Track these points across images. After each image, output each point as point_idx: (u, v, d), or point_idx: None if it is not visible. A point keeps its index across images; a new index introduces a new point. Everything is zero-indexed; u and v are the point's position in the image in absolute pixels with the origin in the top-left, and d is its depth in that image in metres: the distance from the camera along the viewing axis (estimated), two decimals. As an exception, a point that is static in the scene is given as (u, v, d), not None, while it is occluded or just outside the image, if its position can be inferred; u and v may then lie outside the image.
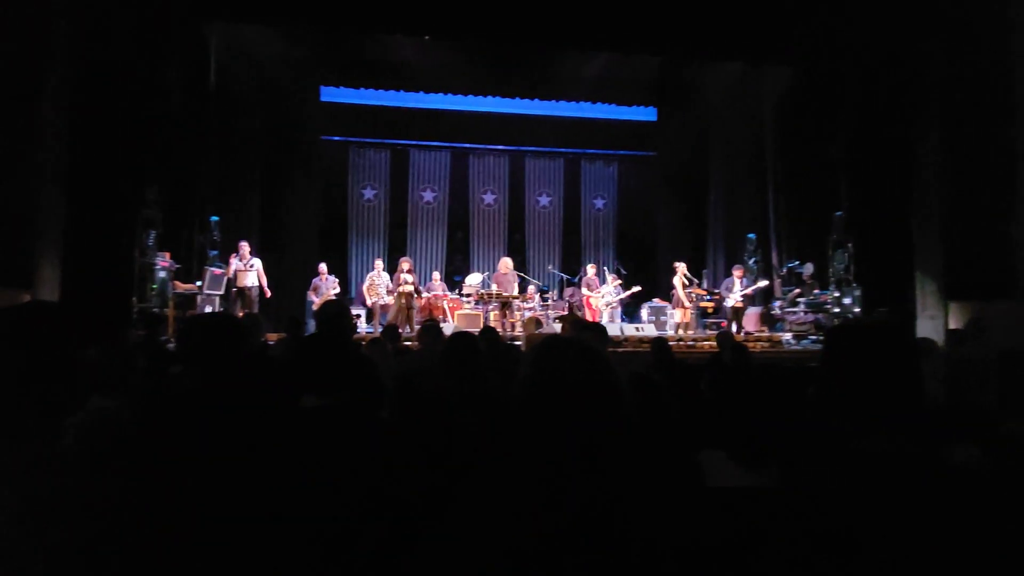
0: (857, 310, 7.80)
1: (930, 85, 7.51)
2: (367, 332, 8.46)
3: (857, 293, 7.85)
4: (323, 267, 8.87)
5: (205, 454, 1.11)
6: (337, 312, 2.29)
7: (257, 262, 7.92)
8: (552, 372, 0.98)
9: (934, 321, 7.42)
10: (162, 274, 6.85)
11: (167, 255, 6.97)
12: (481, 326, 8.13)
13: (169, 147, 7.01)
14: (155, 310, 6.57)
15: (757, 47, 8.25)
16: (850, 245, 8.01)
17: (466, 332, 2.19)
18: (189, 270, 7.73)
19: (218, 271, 7.65)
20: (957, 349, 4.29)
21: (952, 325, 6.96)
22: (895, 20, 7.61)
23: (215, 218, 8.04)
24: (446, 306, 9.22)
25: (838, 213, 8.21)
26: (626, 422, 0.96)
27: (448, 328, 7.92)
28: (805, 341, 8.14)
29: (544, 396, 0.97)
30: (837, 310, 7.98)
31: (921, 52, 7.58)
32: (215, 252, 7.94)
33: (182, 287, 7.32)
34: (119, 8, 6.16)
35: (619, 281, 9.39)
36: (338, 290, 8.82)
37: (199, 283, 7.48)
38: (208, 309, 7.41)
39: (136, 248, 6.42)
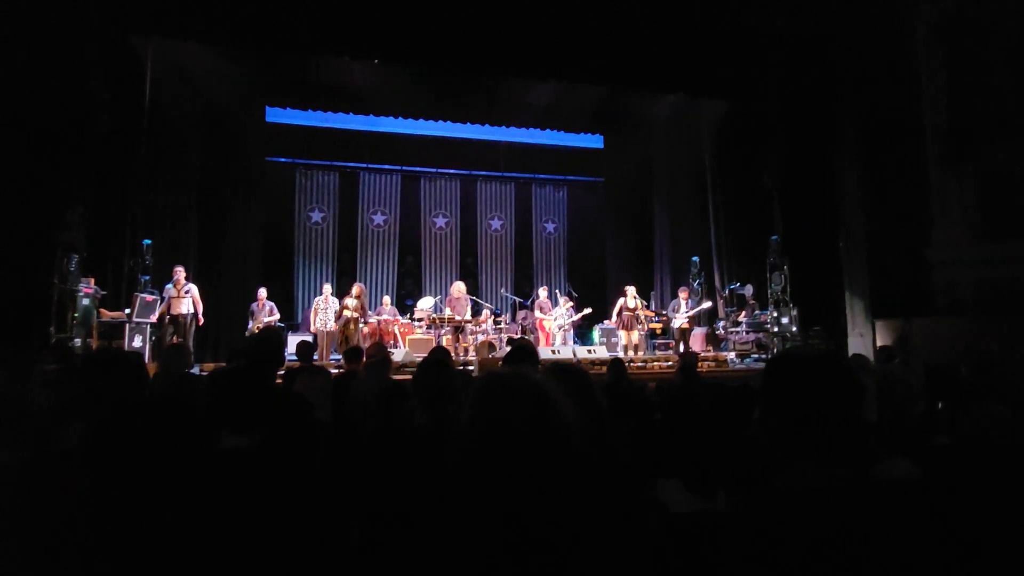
0: (794, 329, 8.19)
1: (850, 124, 8.14)
2: (313, 360, 8.13)
3: (794, 313, 8.26)
4: (262, 292, 8.47)
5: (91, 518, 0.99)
6: (260, 341, 2.12)
7: (193, 288, 7.50)
8: (495, 418, 0.89)
9: (863, 338, 7.90)
10: (85, 301, 6.36)
11: (91, 281, 6.49)
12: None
13: (96, 166, 6.60)
14: (76, 340, 6.07)
15: (693, 81, 8.73)
16: (786, 268, 8.46)
17: (439, 360, 2.08)
18: (118, 297, 7.23)
19: (150, 298, 7.18)
20: (887, 365, 4.56)
21: (879, 342, 7.42)
22: (816, 60, 8.25)
23: (147, 241, 7.59)
24: (397, 331, 9.02)
25: (774, 237, 8.67)
26: (576, 465, 0.90)
27: (398, 355, 7.74)
28: (748, 360, 8.46)
29: (486, 445, 0.88)
30: (776, 329, 8.36)
31: (841, 90, 8.23)
32: (147, 277, 7.47)
33: (108, 315, 6.82)
34: (38, 17, 5.80)
35: (571, 303, 9.50)
36: (276, 316, 8.43)
37: (128, 311, 6.99)
38: (137, 338, 6.93)
39: (55, 273, 5.94)
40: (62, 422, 1.17)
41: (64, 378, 1.23)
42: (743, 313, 8.98)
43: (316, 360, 8.00)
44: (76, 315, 6.24)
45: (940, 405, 2.51)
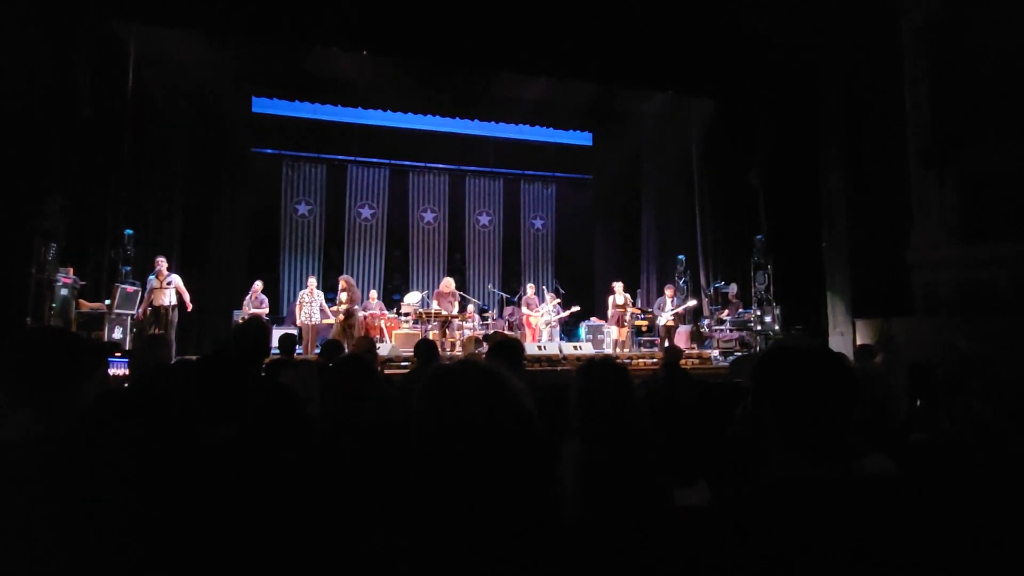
0: (777, 327, 8.31)
1: (834, 126, 8.25)
2: (298, 354, 8.07)
3: (777, 312, 8.38)
4: (257, 285, 8.44)
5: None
6: (244, 330, 2.08)
7: (176, 279, 7.39)
8: (446, 412, 0.85)
9: (843, 337, 8.03)
10: (64, 292, 6.23)
11: (70, 271, 6.36)
12: (419, 346, 7.95)
13: (77, 154, 6.45)
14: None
15: (682, 80, 8.78)
16: (769, 267, 8.56)
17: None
18: (98, 287, 7.09)
19: (131, 288, 7.06)
20: (866, 364, 4.64)
21: (859, 341, 7.55)
22: (803, 61, 8.34)
23: (129, 231, 7.45)
24: (383, 325, 8.98)
25: (758, 237, 8.77)
26: (538, 457, 0.87)
27: (384, 348, 7.70)
28: (732, 357, 8.55)
29: (439, 439, 0.84)
30: (759, 328, 8.47)
31: (827, 92, 8.33)
32: (128, 268, 7.34)
33: (88, 306, 6.69)
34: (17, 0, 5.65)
35: (558, 300, 9.53)
36: (265, 309, 8.36)
37: (108, 302, 6.87)
38: (118, 330, 6.81)
39: (32, 263, 5.81)
40: (9, 410, 1.12)
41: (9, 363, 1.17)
42: (727, 311, 9.08)
43: (300, 354, 7.97)
44: (54, 305, 6.11)
45: (919, 403, 2.56)
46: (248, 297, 8.35)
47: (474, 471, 0.83)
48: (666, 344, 8.63)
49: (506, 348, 2.57)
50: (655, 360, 7.84)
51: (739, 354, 8.50)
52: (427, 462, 0.86)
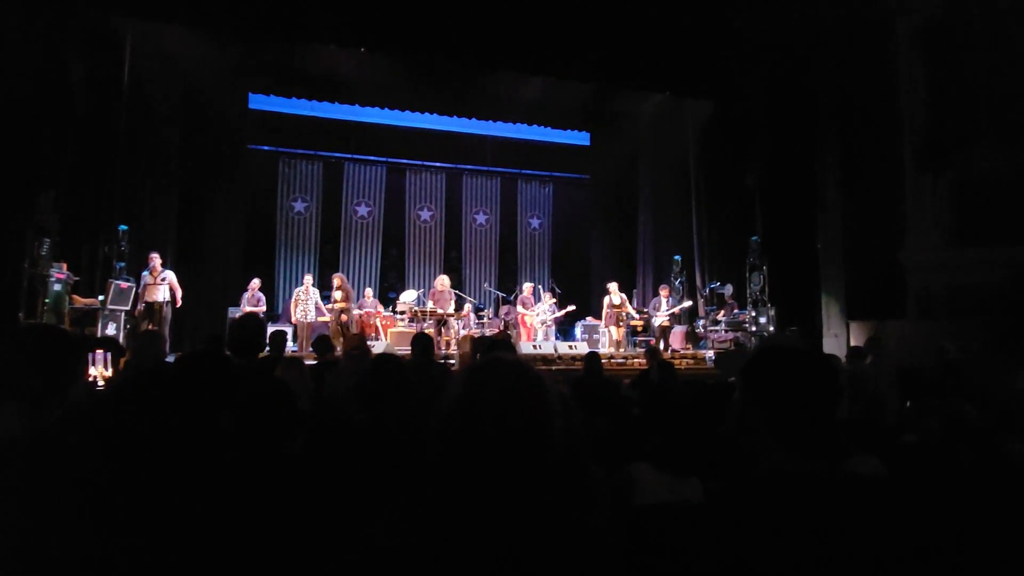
0: (772, 329, 8.34)
1: (830, 129, 8.29)
2: (292, 351, 8.06)
3: (771, 313, 8.41)
4: (255, 283, 8.42)
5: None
6: (239, 327, 2.08)
7: (169, 274, 7.36)
8: (481, 403, 0.87)
9: (837, 339, 8.07)
10: (57, 287, 6.19)
11: (63, 266, 6.33)
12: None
13: (72, 148, 6.42)
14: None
15: (679, 81, 8.80)
16: (765, 268, 8.59)
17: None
18: (92, 283, 7.05)
19: (124, 284, 7.03)
20: (857, 365, 4.67)
21: (853, 342, 7.59)
22: (800, 64, 8.37)
23: (124, 227, 7.42)
24: (379, 323, 8.96)
25: (754, 238, 8.79)
26: (554, 456, 0.87)
27: (380, 346, 7.70)
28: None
29: (470, 428, 0.86)
30: (754, 329, 8.49)
31: (824, 94, 8.37)
32: (122, 264, 7.30)
33: (81, 302, 6.65)
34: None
35: (554, 300, 9.53)
36: (262, 308, 8.34)
37: (101, 297, 6.83)
38: (112, 326, 6.78)
39: (26, 258, 5.77)
40: None
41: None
42: (722, 312, 9.10)
43: (296, 351, 7.96)
44: (47, 301, 6.08)
45: (908, 404, 2.58)
46: (246, 295, 8.32)
47: (510, 466, 0.84)
48: (661, 344, 8.66)
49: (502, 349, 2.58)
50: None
51: (725, 348, 8.54)
52: (454, 456, 0.87)
